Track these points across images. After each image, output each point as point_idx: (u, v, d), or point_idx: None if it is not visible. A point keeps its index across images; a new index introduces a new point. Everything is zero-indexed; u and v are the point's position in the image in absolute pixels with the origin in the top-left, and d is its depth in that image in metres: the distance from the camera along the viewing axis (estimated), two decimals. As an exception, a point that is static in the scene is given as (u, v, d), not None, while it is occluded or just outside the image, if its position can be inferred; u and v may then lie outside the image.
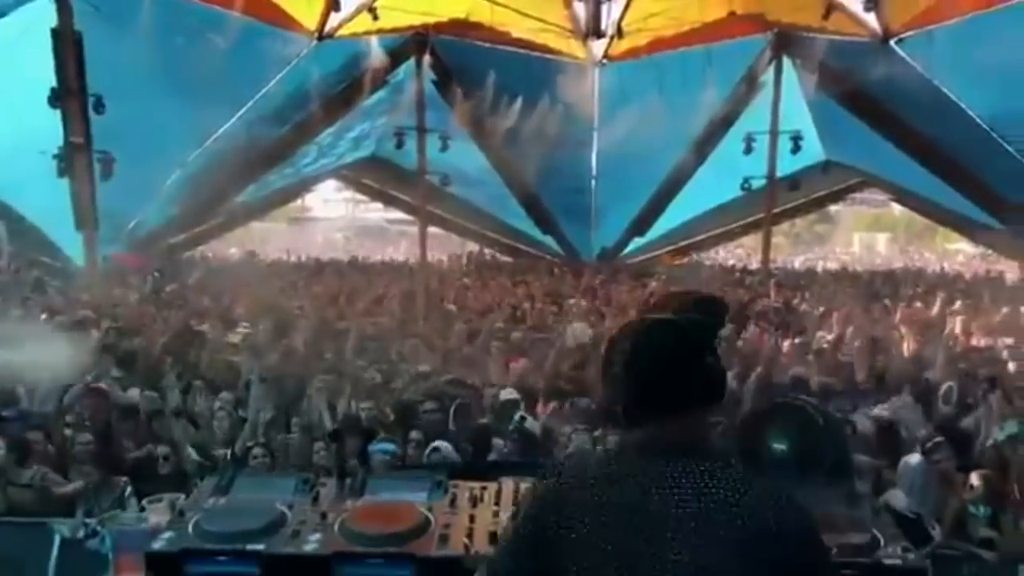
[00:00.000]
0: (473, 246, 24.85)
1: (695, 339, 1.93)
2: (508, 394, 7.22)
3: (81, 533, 5.80)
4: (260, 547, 2.68)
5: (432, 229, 21.87)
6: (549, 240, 22.33)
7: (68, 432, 6.77)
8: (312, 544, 2.70)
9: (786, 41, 17.99)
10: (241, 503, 2.94)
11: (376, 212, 33.31)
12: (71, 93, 15.03)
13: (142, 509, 2.94)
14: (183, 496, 3.04)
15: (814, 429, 3.43)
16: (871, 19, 16.99)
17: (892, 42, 17.16)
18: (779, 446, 3.43)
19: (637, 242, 22.12)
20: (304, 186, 23.15)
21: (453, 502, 2.97)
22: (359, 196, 27.47)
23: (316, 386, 7.43)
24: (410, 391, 7.75)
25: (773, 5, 17.31)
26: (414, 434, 6.28)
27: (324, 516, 2.85)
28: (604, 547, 1.82)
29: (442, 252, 24.13)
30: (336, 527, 2.78)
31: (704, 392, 1.90)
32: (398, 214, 27.14)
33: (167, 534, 2.75)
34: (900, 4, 16.35)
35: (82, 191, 15.73)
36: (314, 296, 14.38)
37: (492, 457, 5.97)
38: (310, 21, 17.32)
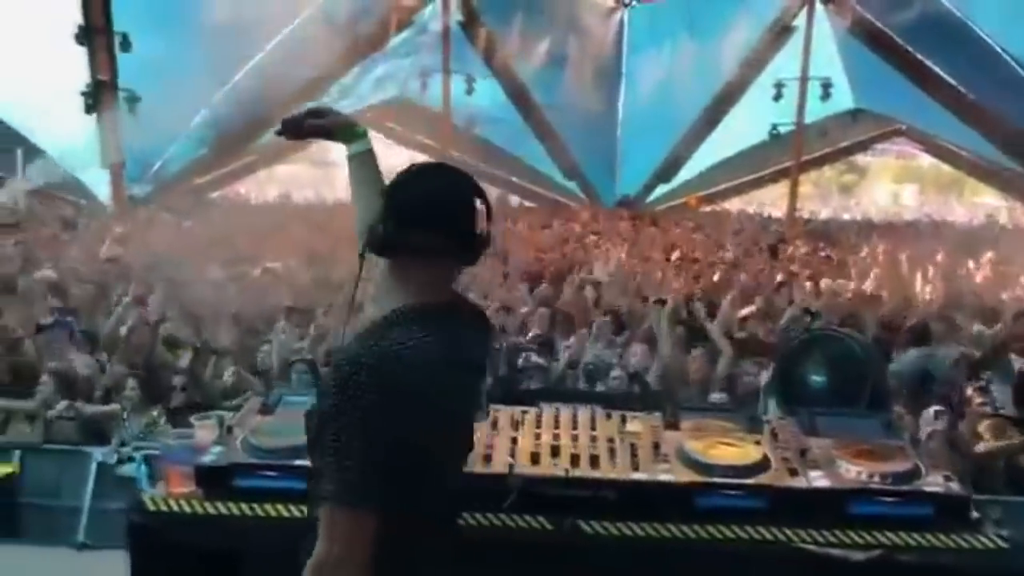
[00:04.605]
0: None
1: None
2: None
3: (114, 458, 5.95)
4: (308, 463, 2.71)
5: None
6: (573, 186, 22.19)
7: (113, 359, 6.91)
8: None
9: (819, -16, 17.65)
10: (287, 422, 2.97)
11: (399, 156, 33.19)
12: (97, 31, 15.02)
13: (190, 426, 2.97)
14: (230, 415, 3.07)
15: (853, 359, 3.44)
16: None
17: (928, -17, 16.75)
18: (817, 377, 3.45)
19: (662, 188, 21.95)
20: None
21: (495, 424, 3.00)
22: (384, 139, 27.21)
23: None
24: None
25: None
26: None
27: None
28: None
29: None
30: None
31: None
32: (422, 157, 26.97)
33: (216, 449, 2.80)
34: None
35: (108, 130, 15.78)
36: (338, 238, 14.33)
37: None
38: (337, -42, 17.10)
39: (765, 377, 5.86)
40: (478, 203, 2.04)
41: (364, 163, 2.51)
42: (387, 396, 1.85)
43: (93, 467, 5.97)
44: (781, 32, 18.24)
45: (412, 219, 1.98)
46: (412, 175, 2.07)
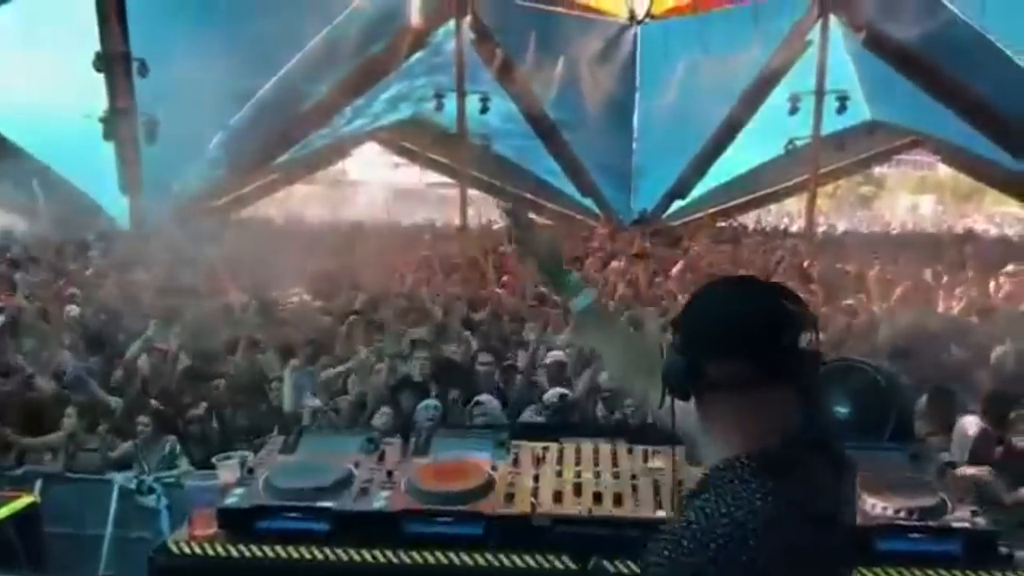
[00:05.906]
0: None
1: None
2: (556, 356, 7.23)
3: (134, 484, 5.96)
4: (330, 504, 2.72)
5: (472, 192, 21.84)
6: (588, 202, 22.17)
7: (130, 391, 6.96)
8: (380, 502, 2.73)
9: (832, -2, 17.63)
10: (308, 462, 2.98)
11: (415, 176, 33.25)
12: (115, 57, 15.19)
13: (211, 467, 2.98)
14: (251, 454, 3.08)
15: (876, 390, 3.40)
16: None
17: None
18: (840, 408, 3.42)
19: (678, 204, 21.90)
20: (344, 148, 23.15)
21: (516, 461, 2.99)
22: (397, 159, 27.38)
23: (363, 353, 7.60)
24: (452, 349, 7.82)
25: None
26: (453, 392, 6.41)
27: (390, 475, 2.88)
28: None
29: (483, 214, 23.95)
30: (403, 485, 2.81)
31: None
32: (436, 177, 27.09)
33: (238, 491, 2.80)
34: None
35: (127, 155, 15.93)
36: (356, 261, 14.35)
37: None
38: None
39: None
40: (785, 313, 1.62)
41: (595, 319, 2.36)
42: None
43: (114, 495, 5.99)
44: (795, 46, 18.22)
45: (706, 350, 1.63)
46: (700, 296, 1.74)
